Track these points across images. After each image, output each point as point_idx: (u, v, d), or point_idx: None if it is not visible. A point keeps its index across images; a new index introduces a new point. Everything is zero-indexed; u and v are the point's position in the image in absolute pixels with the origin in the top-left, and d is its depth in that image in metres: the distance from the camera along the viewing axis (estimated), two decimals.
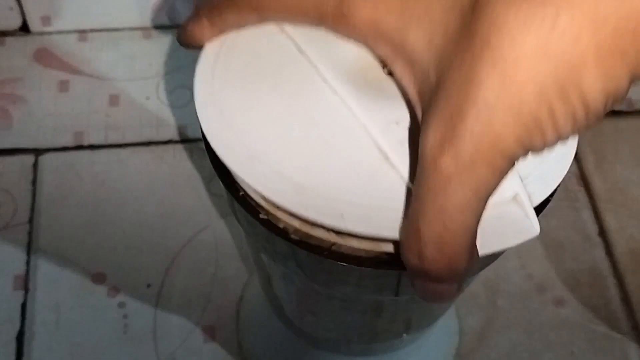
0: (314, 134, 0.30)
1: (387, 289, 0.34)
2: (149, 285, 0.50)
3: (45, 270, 0.50)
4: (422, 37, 0.26)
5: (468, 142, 0.23)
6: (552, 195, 0.30)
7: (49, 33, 0.59)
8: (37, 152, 0.54)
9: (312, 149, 0.30)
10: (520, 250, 0.52)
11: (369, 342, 0.43)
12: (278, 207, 0.31)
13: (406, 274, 0.30)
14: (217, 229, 0.52)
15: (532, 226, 0.29)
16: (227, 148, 0.31)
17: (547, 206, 0.32)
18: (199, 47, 0.33)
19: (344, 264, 0.31)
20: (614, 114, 0.59)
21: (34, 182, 0.53)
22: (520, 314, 0.50)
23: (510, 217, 0.29)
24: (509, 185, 0.28)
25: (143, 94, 0.57)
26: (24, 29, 0.59)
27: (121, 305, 0.49)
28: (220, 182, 0.33)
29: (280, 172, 0.30)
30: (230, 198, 0.34)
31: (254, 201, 0.34)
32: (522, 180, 0.29)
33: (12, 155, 0.54)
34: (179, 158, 0.55)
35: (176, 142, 0.55)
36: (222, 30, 0.32)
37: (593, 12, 0.22)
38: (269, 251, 0.35)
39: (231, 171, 0.32)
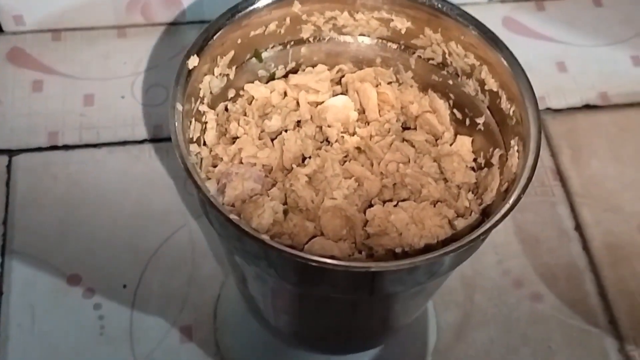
0: None
1: (362, 289, 0.34)
2: (124, 286, 0.49)
3: (19, 272, 0.49)
4: None
5: None
6: None
7: (22, 32, 0.58)
8: (11, 152, 0.54)
9: None
10: (497, 245, 0.52)
11: (345, 341, 0.43)
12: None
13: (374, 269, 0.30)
14: (193, 228, 0.52)
15: None
16: None
17: (522, 200, 0.32)
18: None
19: (315, 263, 0.31)
20: (589, 108, 0.59)
21: (7, 183, 0.52)
22: (498, 309, 0.50)
23: None
24: None
25: (118, 93, 0.57)
26: None
27: (97, 306, 0.49)
28: (192, 183, 0.32)
29: None
30: (201, 199, 0.33)
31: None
32: None
33: None
34: (154, 157, 0.54)
35: (151, 141, 0.55)
36: None
37: None
38: (241, 252, 0.34)
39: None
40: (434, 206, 0.37)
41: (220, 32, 0.37)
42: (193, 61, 0.36)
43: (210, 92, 0.38)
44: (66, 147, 0.54)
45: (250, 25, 0.38)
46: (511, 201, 0.33)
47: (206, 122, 0.38)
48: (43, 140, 0.54)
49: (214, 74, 0.38)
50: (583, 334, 0.49)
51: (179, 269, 0.50)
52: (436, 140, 0.40)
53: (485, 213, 0.37)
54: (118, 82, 0.57)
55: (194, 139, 0.37)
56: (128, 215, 0.52)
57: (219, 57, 0.38)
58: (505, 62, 0.36)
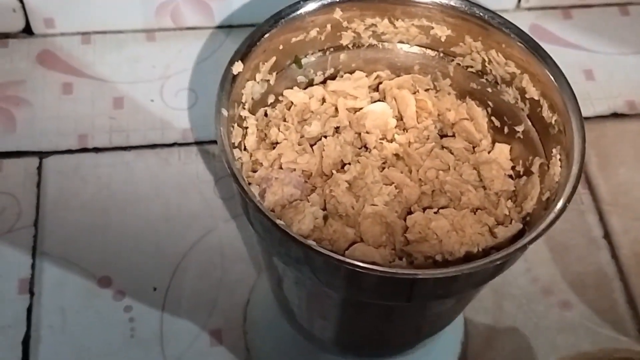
0: None
1: (401, 295, 0.34)
2: (155, 289, 0.49)
3: (50, 273, 0.49)
4: None
5: None
6: None
7: (52, 35, 0.59)
8: (42, 154, 0.54)
9: None
10: (526, 253, 0.52)
11: (378, 346, 0.43)
12: None
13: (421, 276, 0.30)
14: (223, 231, 0.52)
15: None
16: None
17: None
18: None
19: (362, 270, 0.31)
20: (617, 116, 0.59)
21: (38, 185, 0.53)
22: (527, 316, 0.50)
23: None
24: None
25: (147, 96, 0.57)
26: (27, 30, 0.58)
27: (127, 309, 0.49)
28: (238, 188, 0.33)
29: None
30: (246, 204, 0.34)
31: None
32: None
33: (16, 158, 0.54)
34: (184, 160, 0.54)
35: (181, 144, 0.55)
36: None
37: None
38: (283, 256, 0.35)
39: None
40: (474, 214, 0.37)
41: (263, 38, 0.37)
42: (237, 67, 0.36)
43: (252, 98, 0.38)
44: (96, 150, 0.54)
45: (292, 31, 0.38)
46: (557, 210, 0.33)
47: (247, 128, 0.38)
48: (73, 143, 0.54)
49: (255, 80, 0.38)
50: (612, 342, 0.49)
51: (209, 272, 0.50)
52: (474, 148, 0.40)
53: (526, 221, 0.37)
54: (147, 85, 0.57)
55: (235, 144, 0.37)
56: (157, 218, 0.52)
57: (261, 63, 0.38)
58: (547, 71, 0.36)
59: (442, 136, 0.41)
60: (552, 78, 0.36)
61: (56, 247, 0.50)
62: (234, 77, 0.36)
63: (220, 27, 0.60)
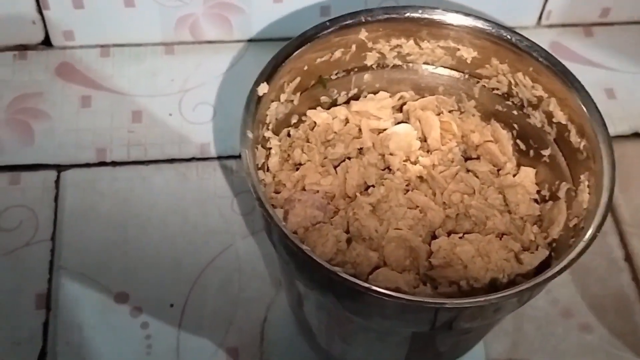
0: None
1: (424, 322, 0.34)
2: (172, 305, 0.49)
3: (67, 288, 0.49)
4: None
5: None
6: None
7: (72, 47, 0.59)
8: (59, 168, 0.54)
9: None
10: None
11: None
12: None
13: (449, 306, 0.30)
14: (240, 248, 0.51)
15: None
16: None
17: None
18: None
19: (388, 298, 0.30)
20: (638, 136, 0.58)
21: (56, 198, 0.52)
22: (546, 339, 0.50)
23: None
24: None
25: (165, 110, 0.57)
26: (47, 42, 0.58)
27: (144, 325, 0.48)
28: (263, 212, 0.32)
29: None
30: (269, 226, 0.33)
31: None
32: None
33: (34, 171, 0.53)
34: (201, 176, 0.54)
35: (199, 159, 0.55)
36: None
37: None
38: (306, 280, 0.34)
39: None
40: (500, 239, 0.37)
41: (288, 59, 0.37)
42: (263, 88, 0.36)
43: (275, 118, 0.38)
44: (114, 164, 0.54)
45: (317, 51, 0.38)
46: (586, 238, 0.32)
47: (270, 148, 0.38)
48: (91, 156, 0.54)
49: (280, 100, 0.38)
50: None
51: (226, 290, 0.50)
52: (498, 171, 0.40)
53: (552, 247, 0.37)
54: (165, 99, 0.57)
55: (259, 165, 0.37)
56: (175, 233, 0.52)
57: (285, 84, 0.38)
58: (576, 96, 0.36)
59: (466, 159, 0.41)
60: (581, 103, 0.36)
61: (73, 262, 0.50)
62: (259, 98, 0.36)
63: (239, 41, 0.60)
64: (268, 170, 0.38)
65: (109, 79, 0.58)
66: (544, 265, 0.36)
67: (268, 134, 0.38)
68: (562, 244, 0.36)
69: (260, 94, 0.36)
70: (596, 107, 0.36)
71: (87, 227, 0.52)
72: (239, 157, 0.39)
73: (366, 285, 0.31)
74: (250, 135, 0.34)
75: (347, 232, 0.37)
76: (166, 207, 0.53)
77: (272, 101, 0.37)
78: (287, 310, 0.46)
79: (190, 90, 0.58)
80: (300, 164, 0.39)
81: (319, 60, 0.38)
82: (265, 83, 0.36)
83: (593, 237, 0.32)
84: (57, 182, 0.53)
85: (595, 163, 0.35)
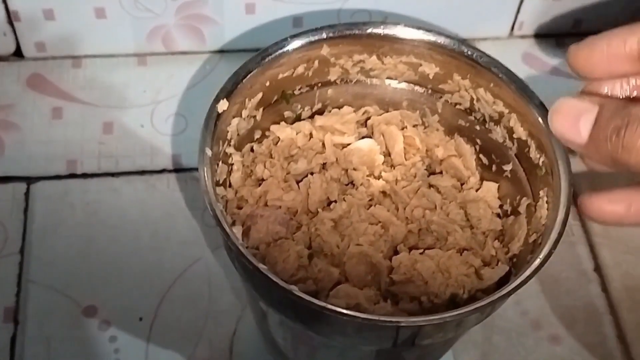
0: None
1: (386, 339, 0.34)
2: (140, 319, 0.49)
3: (35, 302, 0.49)
4: None
5: None
6: None
7: (43, 59, 0.58)
8: (29, 180, 0.53)
9: None
10: None
11: None
12: None
13: (404, 324, 0.30)
14: (210, 261, 0.51)
15: None
16: None
17: None
18: None
19: (345, 317, 0.30)
20: None
21: (25, 210, 0.52)
22: (516, 350, 0.50)
23: None
24: None
25: (137, 121, 0.57)
26: (18, 54, 0.58)
27: (112, 339, 0.48)
28: (221, 231, 0.32)
29: None
30: (227, 245, 0.33)
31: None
32: None
33: (3, 183, 0.53)
34: (172, 187, 0.54)
35: (170, 171, 0.55)
36: None
37: None
38: (267, 299, 0.34)
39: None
40: (461, 254, 0.37)
41: (249, 75, 0.37)
42: (222, 105, 0.36)
43: (237, 134, 0.38)
44: (84, 176, 0.54)
45: (279, 67, 0.38)
46: (542, 256, 0.32)
47: (232, 164, 0.38)
48: (61, 168, 0.54)
49: (241, 116, 0.38)
50: None
51: (195, 303, 0.50)
52: (462, 185, 0.40)
53: (512, 262, 0.37)
54: (137, 110, 0.57)
55: (220, 182, 0.37)
56: (145, 245, 0.52)
57: (247, 100, 0.38)
58: (535, 112, 0.36)
59: (430, 174, 0.41)
60: (540, 119, 0.36)
61: (42, 275, 0.50)
62: (219, 115, 0.36)
63: (212, 52, 0.60)
64: (230, 186, 0.38)
65: (81, 90, 0.58)
66: (505, 280, 0.37)
67: (230, 149, 0.38)
68: (522, 259, 0.36)
69: (220, 111, 0.36)
70: None
71: (56, 239, 0.51)
72: None
73: (322, 304, 0.31)
74: (209, 152, 0.34)
75: (310, 247, 0.37)
76: (136, 219, 0.53)
77: (234, 117, 0.37)
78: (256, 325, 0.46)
79: (163, 102, 0.58)
80: (263, 180, 0.39)
81: (281, 75, 0.38)
82: (225, 100, 0.36)
83: (548, 255, 0.33)
84: (26, 194, 0.53)
85: (554, 179, 0.35)
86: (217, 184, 0.36)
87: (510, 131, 0.38)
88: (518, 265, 0.36)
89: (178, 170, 0.55)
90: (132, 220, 0.52)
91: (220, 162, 0.37)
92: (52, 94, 0.57)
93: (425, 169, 0.41)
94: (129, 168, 0.55)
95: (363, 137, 0.41)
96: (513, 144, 0.38)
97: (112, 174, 0.54)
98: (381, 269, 0.36)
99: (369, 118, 0.41)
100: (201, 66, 0.60)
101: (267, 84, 0.38)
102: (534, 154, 0.37)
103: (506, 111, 0.38)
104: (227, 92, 0.36)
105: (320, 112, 0.41)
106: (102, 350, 0.48)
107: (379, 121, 0.41)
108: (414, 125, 0.41)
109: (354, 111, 0.41)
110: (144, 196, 0.54)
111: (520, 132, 0.37)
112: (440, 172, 0.40)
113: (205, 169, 0.34)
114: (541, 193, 0.36)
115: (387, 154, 0.41)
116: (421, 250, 0.37)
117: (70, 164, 0.54)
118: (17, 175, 0.54)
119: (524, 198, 0.38)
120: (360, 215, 0.37)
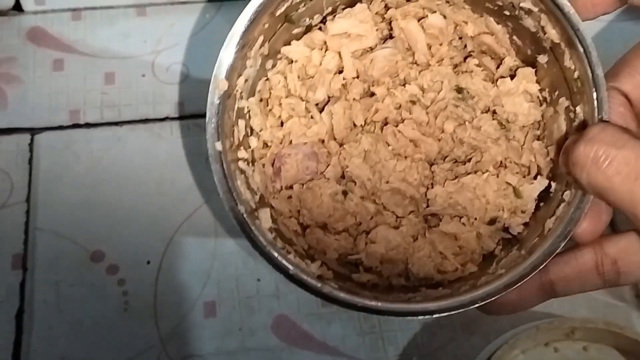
0: None
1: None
2: (148, 262, 0.49)
3: (43, 248, 0.49)
4: None
5: None
6: None
7: (43, 12, 0.58)
8: (33, 131, 0.54)
9: None
10: None
11: None
12: None
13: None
14: (216, 205, 0.52)
15: None
16: None
17: None
18: None
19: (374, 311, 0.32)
20: None
21: (30, 161, 0.52)
22: None
23: None
24: None
25: (138, 71, 0.57)
26: (17, 8, 0.58)
27: (121, 282, 0.49)
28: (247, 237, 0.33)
29: None
30: (259, 251, 0.34)
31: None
32: None
33: (7, 135, 0.53)
34: (175, 135, 0.54)
35: (173, 118, 0.55)
36: None
37: None
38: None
39: None
40: (497, 176, 0.36)
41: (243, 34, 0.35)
42: (223, 85, 0.35)
43: (245, 81, 0.37)
44: (88, 125, 0.54)
45: (275, 6, 0.36)
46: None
47: (249, 111, 0.37)
48: (65, 119, 0.54)
49: (246, 67, 0.36)
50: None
51: (202, 246, 0.50)
52: (495, 80, 0.37)
53: (551, 171, 0.35)
54: (138, 60, 0.57)
55: (240, 140, 0.36)
56: (150, 192, 0.52)
57: (247, 52, 0.36)
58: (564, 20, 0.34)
59: (456, 65, 0.38)
60: (571, 27, 0.33)
61: (49, 223, 0.50)
62: (221, 99, 0.35)
63: (211, 0, 0.60)
64: (252, 133, 0.37)
65: (81, 42, 0.57)
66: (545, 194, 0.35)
67: (242, 103, 0.37)
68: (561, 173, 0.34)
69: (220, 94, 0.35)
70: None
71: (62, 187, 0.52)
72: None
73: (356, 300, 0.32)
74: (219, 147, 0.34)
75: (343, 177, 0.37)
76: (141, 166, 0.53)
77: (238, 76, 0.36)
78: None
79: (163, 52, 0.58)
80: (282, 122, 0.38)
81: (278, 12, 0.36)
82: (224, 80, 0.35)
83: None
84: (31, 145, 0.53)
85: (589, 98, 0.32)
86: (239, 142, 0.36)
87: (542, 30, 0.35)
88: (558, 176, 0.34)
89: (181, 117, 0.55)
90: (137, 167, 0.53)
91: (237, 123, 0.36)
92: (53, 46, 0.57)
93: (452, 58, 0.37)
94: (131, 117, 0.55)
95: (384, 40, 0.38)
96: (546, 38, 0.35)
97: (116, 123, 0.54)
98: (418, 200, 0.36)
99: (387, 9, 0.38)
100: (201, 15, 0.59)
101: (266, 26, 0.36)
102: (568, 62, 0.34)
103: (535, 9, 0.34)
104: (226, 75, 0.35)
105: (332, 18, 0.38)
106: (111, 293, 0.48)
107: (397, 16, 0.37)
108: (433, 12, 0.37)
109: (369, 6, 0.37)
110: (148, 144, 0.54)
111: (553, 34, 0.34)
112: (471, 54, 0.37)
113: (219, 169, 0.35)
114: (577, 109, 0.34)
115: (412, 54, 0.38)
116: (456, 181, 0.36)
117: (73, 114, 0.54)
118: (21, 126, 0.54)
119: (563, 98, 0.35)
120: (389, 150, 0.36)
